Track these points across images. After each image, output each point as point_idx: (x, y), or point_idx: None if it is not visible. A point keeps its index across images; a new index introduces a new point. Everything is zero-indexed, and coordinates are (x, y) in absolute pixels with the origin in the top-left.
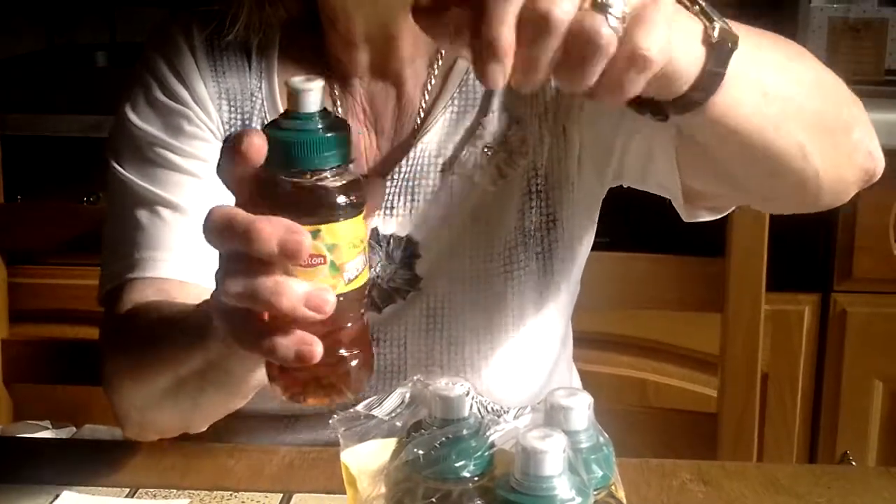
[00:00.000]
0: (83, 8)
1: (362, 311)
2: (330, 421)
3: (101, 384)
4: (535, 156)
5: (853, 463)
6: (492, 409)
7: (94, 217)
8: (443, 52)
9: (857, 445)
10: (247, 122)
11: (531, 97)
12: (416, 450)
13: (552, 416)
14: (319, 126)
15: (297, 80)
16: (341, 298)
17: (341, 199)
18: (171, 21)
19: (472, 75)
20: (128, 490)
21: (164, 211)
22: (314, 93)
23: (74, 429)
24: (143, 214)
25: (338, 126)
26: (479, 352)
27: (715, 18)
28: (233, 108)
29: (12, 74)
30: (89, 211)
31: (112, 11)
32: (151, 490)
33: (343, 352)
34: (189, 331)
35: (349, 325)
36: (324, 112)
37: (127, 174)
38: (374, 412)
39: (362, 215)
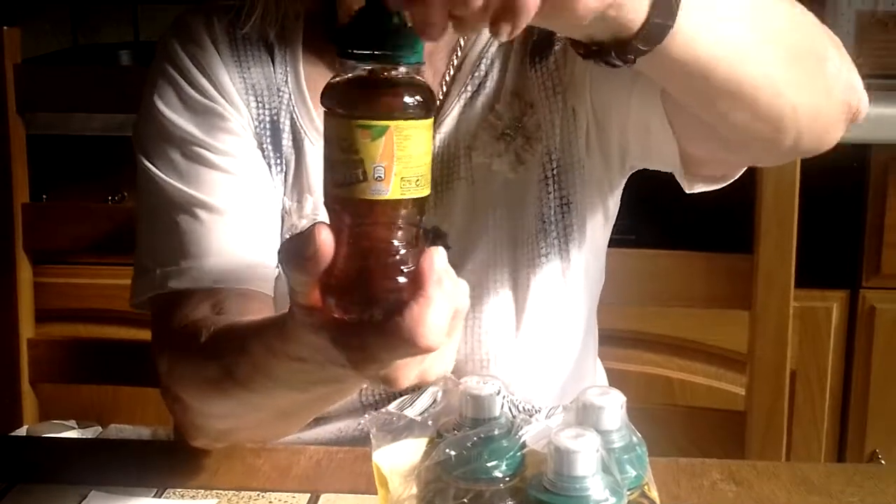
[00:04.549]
0: (107, 7)
1: (417, 231)
2: (361, 420)
3: (161, 392)
4: (547, 140)
5: (882, 461)
6: (523, 408)
7: (120, 216)
8: (462, 44)
9: (887, 443)
10: (275, 118)
11: (541, 80)
12: (447, 450)
13: (585, 415)
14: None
15: None
16: (408, 206)
17: (411, 99)
18: (191, 13)
19: (483, 62)
20: (155, 490)
21: (202, 213)
22: None
23: (100, 428)
24: (182, 219)
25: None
26: (504, 343)
27: None
28: (260, 104)
29: (37, 74)
30: (115, 210)
31: (135, 10)
32: (179, 490)
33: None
34: (301, 375)
35: (405, 248)
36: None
37: (161, 174)
38: (406, 412)
39: (430, 121)
